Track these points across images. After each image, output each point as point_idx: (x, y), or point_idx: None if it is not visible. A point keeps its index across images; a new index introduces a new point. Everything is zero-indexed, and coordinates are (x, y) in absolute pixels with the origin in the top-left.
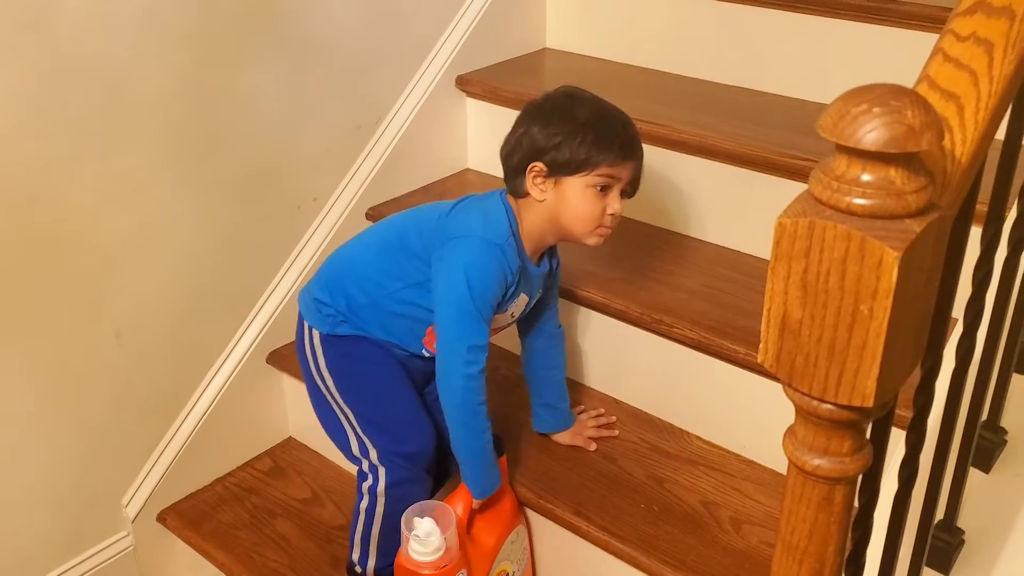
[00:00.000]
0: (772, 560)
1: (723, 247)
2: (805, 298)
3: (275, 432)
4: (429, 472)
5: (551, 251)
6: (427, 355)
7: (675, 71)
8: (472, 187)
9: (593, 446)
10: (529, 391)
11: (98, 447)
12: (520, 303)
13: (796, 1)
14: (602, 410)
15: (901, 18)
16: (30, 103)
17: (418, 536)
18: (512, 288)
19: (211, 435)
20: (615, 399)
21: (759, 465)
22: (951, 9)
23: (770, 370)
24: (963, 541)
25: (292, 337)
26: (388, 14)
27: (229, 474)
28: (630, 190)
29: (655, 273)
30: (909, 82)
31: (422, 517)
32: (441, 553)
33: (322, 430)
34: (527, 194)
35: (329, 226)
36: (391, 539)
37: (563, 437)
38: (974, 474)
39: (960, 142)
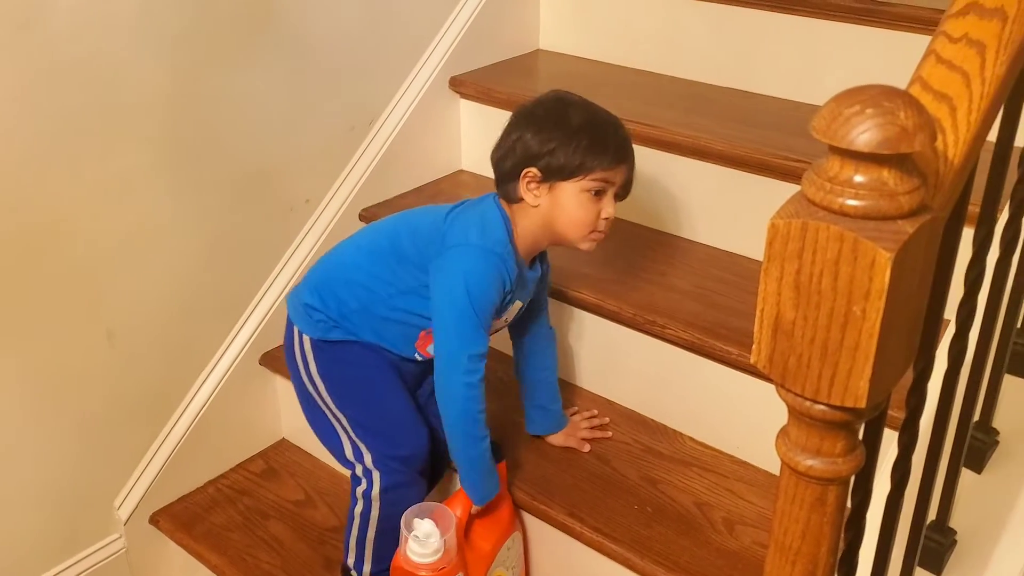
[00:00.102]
0: (765, 561)
1: (716, 248)
2: (798, 299)
3: (268, 434)
4: (423, 475)
5: (542, 254)
6: (419, 359)
7: (668, 72)
8: (466, 188)
9: (586, 447)
10: (521, 393)
11: (90, 449)
12: (515, 308)
13: (789, 3)
14: (595, 411)
15: (893, 20)
16: (24, 104)
17: (417, 537)
18: (510, 295)
19: (204, 437)
20: (608, 400)
21: (752, 466)
22: (943, 11)
23: (763, 371)
24: (955, 541)
25: None
26: (382, 15)
27: (222, 476)
28: (622, 193)
29: (648, 274)
30: (901, 83)
31: (422, 518)
32: (439, 555)
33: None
34: (521, 199)
35: (322, 228)
36: (387, 543)
37: (556, 438)
38: (966, 475)
39: (952, 143)
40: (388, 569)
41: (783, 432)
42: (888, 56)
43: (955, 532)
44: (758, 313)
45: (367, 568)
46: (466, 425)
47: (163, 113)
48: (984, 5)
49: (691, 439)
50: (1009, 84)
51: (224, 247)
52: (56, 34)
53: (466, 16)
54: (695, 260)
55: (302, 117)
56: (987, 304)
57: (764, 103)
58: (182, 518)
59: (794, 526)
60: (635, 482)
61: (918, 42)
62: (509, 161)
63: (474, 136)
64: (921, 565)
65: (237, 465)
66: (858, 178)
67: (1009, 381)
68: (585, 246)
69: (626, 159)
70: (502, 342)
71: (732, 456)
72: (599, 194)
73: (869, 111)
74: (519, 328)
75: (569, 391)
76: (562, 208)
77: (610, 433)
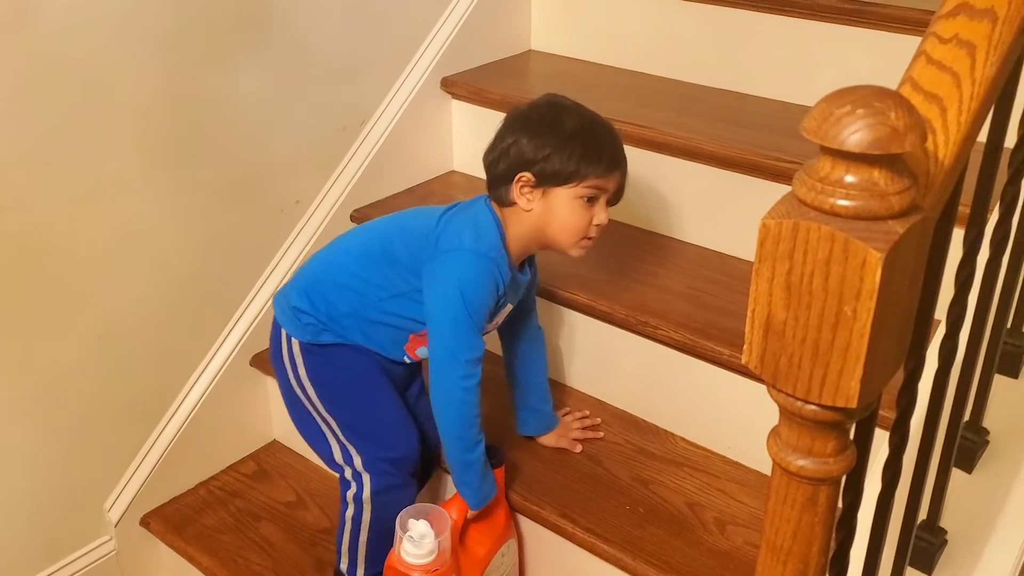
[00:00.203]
0: (757, 561)
1: (707, 249)
2: (789, 299)
3: (259, 435)
4: (415, 476)
5: (530, 258)
6: (408, 361)
7: (659, 73)
8: (457, 189)
9: (578, 448)
10: (512, 395)
11: (81, 451)
12: (505, 312)
13: (779, 4)
14: (587, 412)
15: (883, 20)
16: (10, 106)
17: (412, 538)
18: (502, 299)
19: (195, 438)
20: (600, 401)
21: (744, 466)
22: (932, 12)
23: (754, 371)
24: (946, 541)
25: None
26: (373, 16)
27: (213, 477)
28: (614, 199)
29: (639, 275)
30: (891, 84)
31: (418, 519)
32: (434, 557)
33: None
34: (513, 203)
35: (313, 229)
36: (379, 546)
37: (548, 439)
38: (957, 474)
39: (943, 144)
40: (382, 572)
41: (774, 432)
42: (879, 57)
43: (946, 532)
44: (749, 313)
45: (361, 572)
46: (462, 429)
47: (154, 114)
48: (974, 6)
49: (683, 439)
50: (999, 85)
51: (215, 248)
52: (42, 37)
53: (457, 17)
54: (686, 261)
55: (293, 117)
56: (977, 304)
57: (755, 104)
58: (173, 520)
59: (785, 526)
60: (627, 482)
61: (908, 43)
62: (502, 164)
63: (466, 137)
64: (912, 565)
65: (228, 467)
66: (849, 178)
67: (999, 381)
68: (575, 252)
69: (619, 166)
70: (491, 341)
71: (724, 456)
72: (592, 200)
73: (860, 111)
74: (508, 330)
75: (561, 392)
76: (555, 214)
77: (602, 434)
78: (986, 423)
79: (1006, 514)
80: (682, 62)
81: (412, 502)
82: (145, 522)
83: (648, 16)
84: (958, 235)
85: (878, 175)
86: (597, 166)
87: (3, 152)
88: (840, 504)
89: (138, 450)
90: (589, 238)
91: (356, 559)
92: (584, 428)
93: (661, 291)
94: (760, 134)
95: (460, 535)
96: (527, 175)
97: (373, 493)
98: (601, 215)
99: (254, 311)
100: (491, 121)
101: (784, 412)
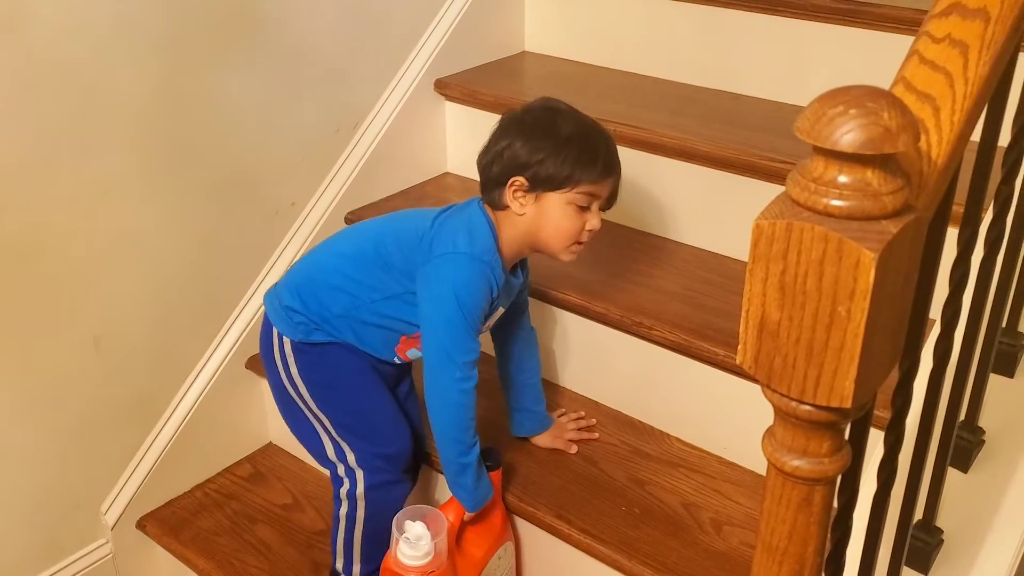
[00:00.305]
0: (752, 561)
1: (701, 249)
2: (783, 300)
3: (255, 438)
4: (407, 473)
5: (522, 261)
6: (397, 362)
7: (653, 74)
8: (452, 191)
9: (574, 449)
10: (505, 396)
11: (76, 454)
12: (497, 315)
13: (773, 4)
14: (582, 413)
15: (876, 20)
16: (6, 107)
17: (408, 539)
18: (495, 301)
19: (191, 441)
20: (595, 401)
21: (739, 467)
22: (926, 11)
23: (749, 372)
24: (942, 541)
25: None
26: (366, 18)
27: (209, 480)
28: (607, 205)
29: (634, 276)
30: (885, 84)
31: (414, 521)
32: (430, 559)
33: None
34: (506, 207)
35: (308, 231)
36: (375, 543)
37: (543, 440)
38: (953, 474)
39: (936, 143)
40: (378, 569)
41: (769, 433)
42: (872, 56)
43: (942, 531)
44: (743, 314)
45: (357, 569)
46: (458, 432)
47: (149, 116)
48: (967, 5)
49: (678, 440)
50: (992, 84)
51: (209, 251)
52: (35, 38)
53: (451, 18)
54: (681, 261)
55: (286, 120)
56: (972, 304)
57: (749, 104)
58: (169, 523)
59: (781, 526)
60: (622, 483)
61: (902, 42)
62: (496, 167)
63: (460, 139)
64: (908, 564)
65: (224, 469)
66: (842, 178)
67: (994, 380)
68: (566, 257)
69: (613, 172)
70: (485, 343)
71: (719, 457)
72: (585, 206)
73: (853, 111)
74: (501, 331)
75: (555, 392)
76: (548, 218)
77: (597, 435)
78: (982, 422)
79: (1002, 513)
80: (676, 63)
81: (405, 498)
82: (141, 525)
83: (642, 17)
84: (952, 234)
85: (871, 175)
86: (591, 172)
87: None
88: (836, 504)
89: (134, 452)
90: (580, 243)
91: (352, 556)
92: (579, 429)
93: (656, 292)
94: (754, 134)
95: (457, 537)
96: (520, 179)
97: (367, 489)
98: (594, 221)
99: (249, 313)
100: (485, 123)
101: (779, 412)
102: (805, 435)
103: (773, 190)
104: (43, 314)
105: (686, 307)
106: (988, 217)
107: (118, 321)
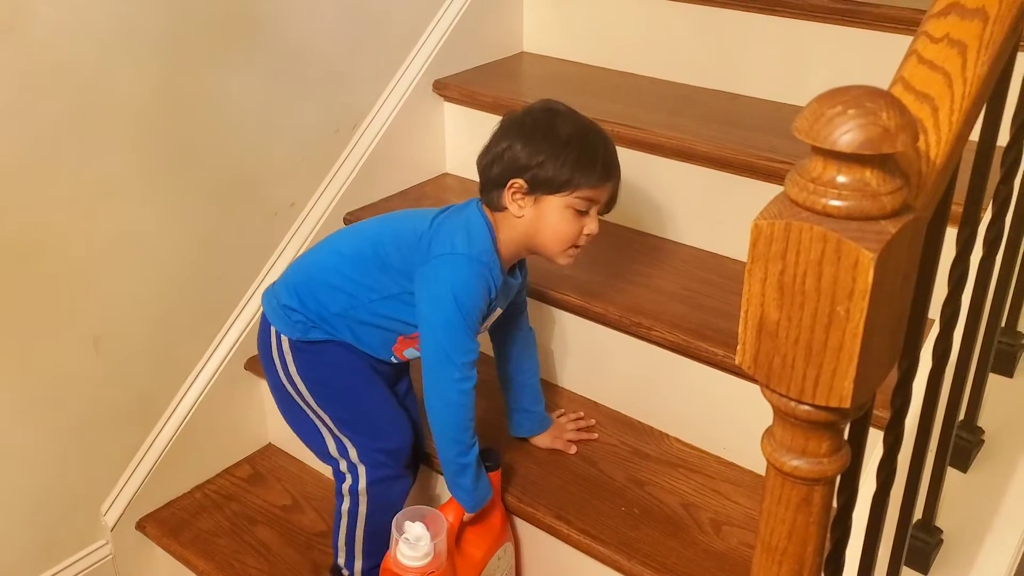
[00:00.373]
0: (752, 561)
1: (700, 249)
2: (782, 300)
3: (254, 439)
4: (408, 468)
5: (520, 262)
6: (394, 361)
7: (652, 74)
8: (450, 191)
9: (573, 449)
10: (504, 396)
11: (76, 455)
12: (495, 316)
13: (771, 4)
14: (581, 413)
15: (875, 20)
16: (6, 107)
17: (408, 540)
18: (493, 302)
19: (190, 442)
20: (594, 402)
21: (738, 467)
22: (924, 11)
23: (748, 372)
24: (941, 540)
25: None
26: (365, 18)
27: (209, 481)
28: (606, 209)
29: (633, 276)
30: (883, 84)
31: (414, 521)
32: (429, 559)
33: None
34: (504, 208)
35: (307, 231)
36: (377, 538)
37: (542, 440)
38: (952, 474)
39: (935, 143)
40: (379, 565)
41: (768, 433)
42: (870, 56)
43: (941, 531)
44: (742, 314)
45: (359, 565)
46: (457, 432)
47: (148, 117)
48: (965, 5)
49: (677, 440)
50: (991, 84)
51: (209, 252)
52: (35, 40)
53: (450, 19)
54: (680, 262)
55: (285, 121)
56: (971, 303)
57: (747, 104)
58: (169, 524)
59: (780, 526)
60: (622, 484)
61: (900, 42)
62: (496, 169)
63: (458, 139)
64: (907, 564)
65: (224, 470)
66: (841, 178)
67: (994, 380)
68: (562, 260)
69: (613, 176)
70: (483, 343)
71: (718, 457)
72: (583, 211)
73: (851, 112)
74: (500, 332)
75: (555, 393)
76: (546, 221)
77: (596, 435)
78: (981, 422)
79: (1002, 513)
80: (674, 63)
81: (407, 493)
82: (141, 526)
83: (640, 17)
84: (951, 234)
85: (870, 175)
86: (591, 175)
87: (0, 154)
88: (835, 504)
89: (134, 454)
90: (577, 247)
91: (353, 552)
92: (579, 429)
93: (655, 292)
94: (753, 134)
95: (456, 538)
96: (519, 181)
97: (369, 484)
98: (592, 225)
99: (249, 314)
100: (484, 123)
101: (778, 412)
102: (804, 435)
103: (772, 190)
104: (43, 314)
105: (685, 307)
106: (987, 217)
107: (118, 321)
